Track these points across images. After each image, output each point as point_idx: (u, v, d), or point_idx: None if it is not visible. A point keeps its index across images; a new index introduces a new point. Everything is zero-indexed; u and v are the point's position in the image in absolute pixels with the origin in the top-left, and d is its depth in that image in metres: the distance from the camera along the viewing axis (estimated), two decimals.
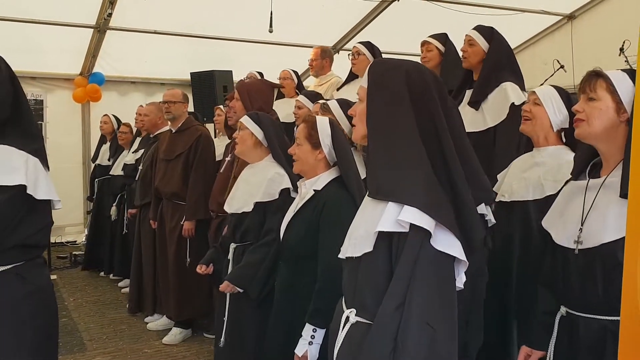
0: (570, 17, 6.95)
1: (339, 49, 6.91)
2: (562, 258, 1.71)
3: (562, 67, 5.72)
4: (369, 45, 3.90)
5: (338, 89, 4.29)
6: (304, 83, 6.36)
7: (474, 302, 2.11)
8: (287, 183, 2.55)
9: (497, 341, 2.38)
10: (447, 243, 1.33)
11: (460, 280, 1.40)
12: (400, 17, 6.22)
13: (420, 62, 3.24)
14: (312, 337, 2.00)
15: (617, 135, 1.62)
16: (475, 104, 2.95)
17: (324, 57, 4.70)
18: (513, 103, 2.80)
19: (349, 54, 4.09)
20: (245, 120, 2.68)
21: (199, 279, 3.16)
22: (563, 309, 1.71)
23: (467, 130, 2.93)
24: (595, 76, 1.65)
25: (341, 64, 5.11)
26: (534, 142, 2.32)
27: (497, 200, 2.35)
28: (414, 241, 1.31)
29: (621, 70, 1.66)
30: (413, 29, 5.07)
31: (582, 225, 1.65)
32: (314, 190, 2.21)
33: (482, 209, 2.03)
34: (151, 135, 4.77)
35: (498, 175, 2.45)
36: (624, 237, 1.48)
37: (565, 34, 6.99)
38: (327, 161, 2.24)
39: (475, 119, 2.93)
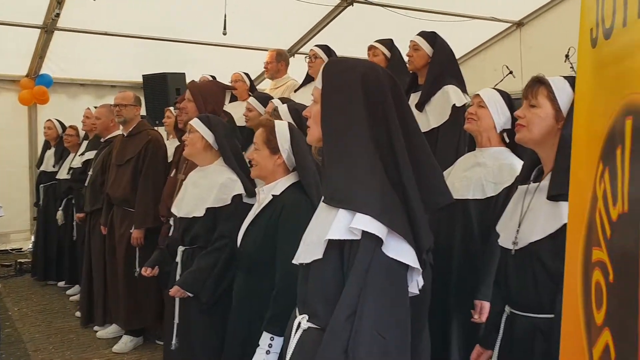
0: (519, 24, 7.16)
1: (295, 52, 6.91)
2: (504, 259, 1.78)
3: (510, 72, 5.89)
4: (326, 48, 3.93)
5: (295, 91, 4.30)
6: (261, 86, 6.32)
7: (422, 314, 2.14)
8: (239, 189, 2.51)
9: (437, 343, 2.43)
10: (399, 250, 1.31)
11: (415, 286, 1.39)
12: (355, 22, 6.28)
13: None
14: (270, 345, 1.96)
15: (555, 141, 1.67)
16: (420, 106, 3.07)
17: (279, 60, 4.68)
18: (454, 105, 2.93)
19: (305, 57, 4.10)
20: (195, 123, 2.63)
21: (150, 286, 3.10)
22: (507, 309, 1.76)
23: None
24: (538, 83, 1.70)
25: (297, 68, 5.11)
26: (477, 142, 2.40)
27: None
28: (365, 249, 1.29)
29: (563, 77, 1.71)
30: (367, 34, 5.12)
31: (519, 227, 1.71)
32: (273, 195, 2.18)
33: None
34: (102, 140, 4.64)
35: (444, 172, 2.49)
36: (547, 237, 1.62)
37: (514, 41, 7.19)
38: (286, 166, 2.21)
39: (420, 121, 3.04)
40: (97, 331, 4.19)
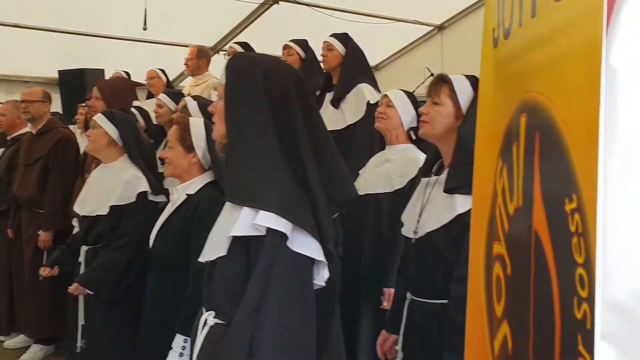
0: (441, 27, 7.37)
1: (219, 50, 6.79)
2: (406, 248, 1.88)
3: (432, 75, 6.05)
4: (245, 45, 3.90)
5: (216, 89, 4.23)
6: (184, 84, 6.17)
7: (332, 308, 2.16)
8: (144, 186, 2.45)
9: (349, 331, 2.52)
10: (304, 244, 1.34)
11: (322, 278, 1.42)
12: (281, 20, 6.24)
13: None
14: (183, 347, 1.92)
15: (454, 137, 1.75)
16: (336, 101, 3.19)
17: (200, 57, 4.60)
18: (369, 102, 3.06)
19: (224, 54, 4.04)
20: (99, 119, 2.55)
21: (60, 292, 2.93)
22: (409, 295, 1.84)
23: (329, 129, 3.14)
24: (441, 82, 1.80)
25: (220, 65, 5.01)
26: (386, 140, 2.54)
27: None
28: (270, 244, 1.30)
29: (464, 76, 1.80)
30: (293, 33, 5.11)
31: (419, 217, 1.81)
32: (187, 194, 2.13)
33: None
34: (8, 137, 4.36)
35: (360, 171, 2.66)
36: (442, 226, 1.72)
37: (436, 44, 7.40)
38: (201, 165, 2.17)
39: (336, 118, 3.18)
40: (3, 341, 3.93)
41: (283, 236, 1.30)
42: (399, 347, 1.85)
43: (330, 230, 1.38)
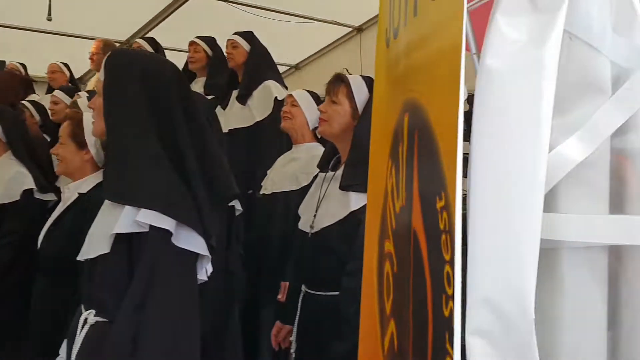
0: (359, 29, 7.47)
1: (131, 45, 6.54)
2: (302, 241, 1.91)
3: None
4: (152, 42, 3.78)
5: None
6: (95, 78, 5.89)
7: (230, 304, 2.14)
8: (29, 183, 2.35)
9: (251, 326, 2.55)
10: (188, 240, 1.35)
11: (204, 273, 1.44)
12: (196, 16, 6.09)
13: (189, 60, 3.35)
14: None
15: (350, 135, 1.81)
16: (242, 98, 3.20)
17: (106, 52, 4.33)
18: (276, 97, 3.08)
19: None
20: None
21: None
22: (303, 287, 1.89)
23: (238, 126, 3.16)
24: (339, 81, 1.83)
25: None
26: (292, 140, 2.58)
27: (261, 193, 2.63)
28: (154, 241, 1.31)
29: (361, 76, 1.84)
30: (209, 29, 5.01)
31: (316, 212, 1.85)
32: (79, 193, 2.02)
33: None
34: None
35: (268, 171, 2.69)
36: (336, 222, 1.77)
37: (355, 45, 7.49)
38: (94, 162, 2.08)
39: (244, 115, 3.18)
40: None
41: (167, 232, 1.31)
42: (293, 337, 1.89)
43: (213, 226, 1.40)
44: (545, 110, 0.87)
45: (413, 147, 1.01)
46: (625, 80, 0.93)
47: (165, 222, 1.30)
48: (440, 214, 0.82)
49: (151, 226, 1.30)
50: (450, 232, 0.76)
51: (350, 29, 7.45)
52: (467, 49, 1.20)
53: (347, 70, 6.69)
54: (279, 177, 2.58)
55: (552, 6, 0.92)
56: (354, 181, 1.70)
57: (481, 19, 1.04)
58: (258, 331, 2.55)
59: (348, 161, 1.77)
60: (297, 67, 7.52)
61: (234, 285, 2.21)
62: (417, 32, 1.02)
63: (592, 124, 0.89)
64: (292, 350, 1.90)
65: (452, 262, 0.77)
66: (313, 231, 1.85)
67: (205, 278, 1.45)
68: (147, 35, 4.26)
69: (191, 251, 1.36)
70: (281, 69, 7.60)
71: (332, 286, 1.77)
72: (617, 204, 0.93)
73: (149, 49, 3.69)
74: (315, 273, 1.86)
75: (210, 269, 1.45)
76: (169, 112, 1.36)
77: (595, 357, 0.93)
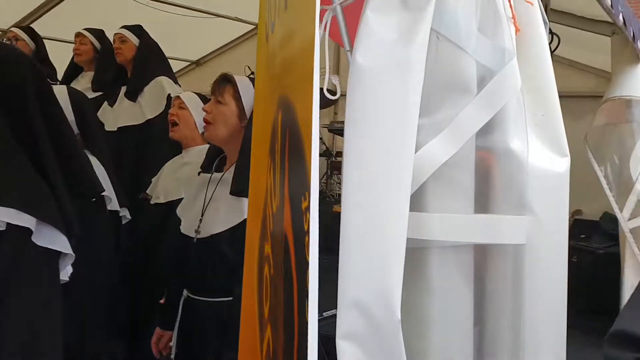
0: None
1: (8, 34, 6.06)
2: (186, 246, 1.83)
3: (252, 73, 6.05)
4: (30, 31, 3.51)
5: None
6: None
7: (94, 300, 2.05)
8: None
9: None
10: (50, 239, 1.32)
11: (66, 273, 1.40)
12: (90, 7, 5.76)
13: (74, 52, 3.16)
14: None
15: (238, 138, 1.75)
16: (132, 94, 3.05)
17: None
18: (169, 94, 2.95)
19: (5, 39, 3.60)
20: None
21: None
22: (185, 292, 1.82)
23: (127, 124, 2.98)
24: (225, 81, 1.79)
25: None
26: (183, 145, 2.47)
27: (153, 202, 2.47)
28: (12, 240, 1.26)
29: (248, 77, 1.80)
30: (103, 21, 4.75)
31: (202, 216, 1.78)
32: None
33: (115, 206, 2.12)
34: None
35: (153, 179, 2.54)
36: (228, 229, 1.69)
37: (255, 42, 7.43)
38: None
39: (134, 113, 3.02)
40: None
41: (27, 231, 1.26)
42: (173, 343, 1.83)
43: (76, 225, 1.36)
44: (411, 110, 0.87)
45: (285, 145, 0.97)
46: (490, 80, 0.95)
47: (23, 219, 1.25)
48: (305, 215, 0.79)
49: (8, 225, 1.24)
50: (309, 233, 0.73)
51: (253, 26, 7.36)
52: (342, 45, 1.18)
53: (248, 67, 6.57)
54: (173, 185, 2.44)
55: (420, 4, 0.92)
56: (246, 186, 1.65)
57: (357, 15, 1.02)
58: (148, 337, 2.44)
59: (238, 165, 1.71)
60: (197, 63, 7.35)
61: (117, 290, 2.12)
62: (287, 26, 0.98)
63: (457, 123, 0.89)
64: (172, 356, 1.84)
65: (312, 264, 0.74)
66: (200, 236, 1.77)
67: (66, 279, 1.40)
68: (30, 25, 3.92)
69: (52, 250, 1.31)
70: (181, 64, 7.45)
71: (220, 292, 1.72)
72: (483, 202, 0.94)
73: (27, 38, 3.41)
74: (200, 279, 1.79)
75: (70, 270, 1.40)
76: (24, 107, 1.29)
77: (462, 353, 0.94)
